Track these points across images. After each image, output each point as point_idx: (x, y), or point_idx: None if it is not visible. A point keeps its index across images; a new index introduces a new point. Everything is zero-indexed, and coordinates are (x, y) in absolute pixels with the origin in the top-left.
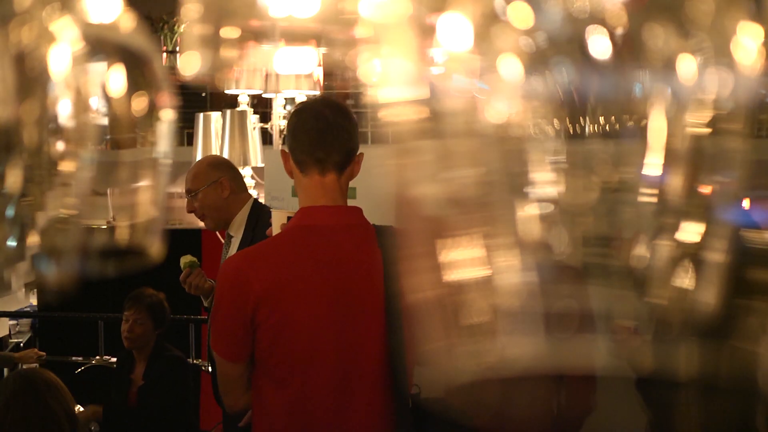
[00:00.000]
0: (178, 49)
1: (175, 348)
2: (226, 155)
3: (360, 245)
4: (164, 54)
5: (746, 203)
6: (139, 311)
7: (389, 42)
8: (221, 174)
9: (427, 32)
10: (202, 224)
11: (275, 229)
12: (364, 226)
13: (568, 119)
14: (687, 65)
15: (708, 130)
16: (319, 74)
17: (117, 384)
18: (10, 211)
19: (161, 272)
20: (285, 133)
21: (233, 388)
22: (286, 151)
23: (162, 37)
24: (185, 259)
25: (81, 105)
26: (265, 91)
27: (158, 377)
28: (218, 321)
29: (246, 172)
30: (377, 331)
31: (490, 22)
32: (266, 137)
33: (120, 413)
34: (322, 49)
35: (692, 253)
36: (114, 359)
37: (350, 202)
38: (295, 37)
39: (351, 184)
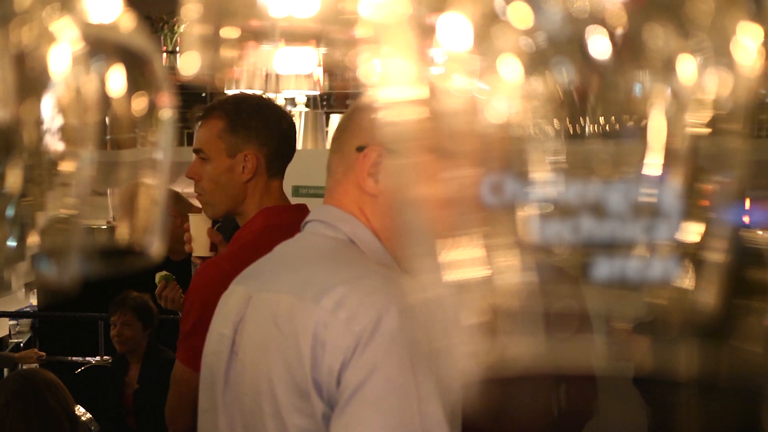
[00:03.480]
0: (178, 49)
1: (169, 349)
2: None
3: None
4: (164, 54)
5: (746, 203)
6: (125, 314)
7: (389, 42)
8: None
9: (427, 32)
10: None
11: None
12: None
13: (568, 119)
14: (687, 65)
15: (708, 130)
16: (319, 74)
17: (112, 386)
18: (10, 211)
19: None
20: None
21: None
22: None
23: (162, 37)
24: (160, 274)
25: (81, 105)
26: (265, 91)
27: (154, 381)
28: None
29: None
30: None
31: (490, 22)
32: None
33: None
34: (322, 49)
35: (692, 253)
36: None
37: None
38: (295, 37)
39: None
